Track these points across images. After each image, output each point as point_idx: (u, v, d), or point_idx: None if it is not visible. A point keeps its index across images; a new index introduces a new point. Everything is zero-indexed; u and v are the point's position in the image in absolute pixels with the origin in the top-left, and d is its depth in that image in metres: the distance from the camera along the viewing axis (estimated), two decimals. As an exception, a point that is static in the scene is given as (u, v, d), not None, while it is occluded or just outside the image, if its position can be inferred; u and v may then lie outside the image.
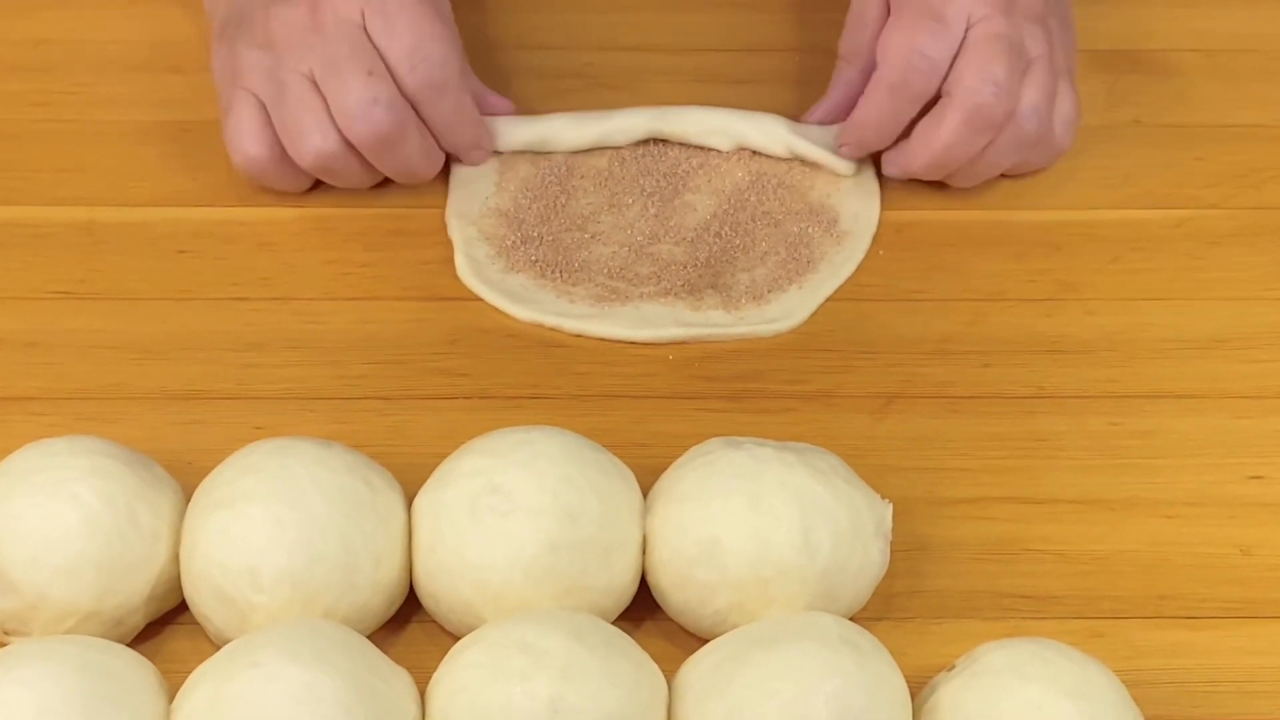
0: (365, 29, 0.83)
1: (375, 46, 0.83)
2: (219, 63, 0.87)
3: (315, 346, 0.83)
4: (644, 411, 0.81)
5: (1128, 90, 0.94)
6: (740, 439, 0.74)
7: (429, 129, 0.86)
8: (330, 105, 0.83)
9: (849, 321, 0.84)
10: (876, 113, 0.86)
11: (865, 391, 0.82)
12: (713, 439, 0.75)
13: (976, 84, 0.83)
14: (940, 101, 0.85)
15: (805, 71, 0.94)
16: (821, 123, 0.90)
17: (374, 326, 0.83)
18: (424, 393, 0.81)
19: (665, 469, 0.75)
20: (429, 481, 0.74)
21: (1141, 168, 0.90)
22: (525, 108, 0.92)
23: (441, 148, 0.87)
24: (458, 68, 0.85)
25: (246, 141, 0.85)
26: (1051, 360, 0.83)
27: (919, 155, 0.86)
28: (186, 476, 0.75)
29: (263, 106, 0.85)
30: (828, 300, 0.85)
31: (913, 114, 0.86)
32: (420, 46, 0.83)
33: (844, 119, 0.88)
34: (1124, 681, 0.69)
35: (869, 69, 0.86)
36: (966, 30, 0.84)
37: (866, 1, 0.88)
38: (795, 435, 0.76)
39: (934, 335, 0.84)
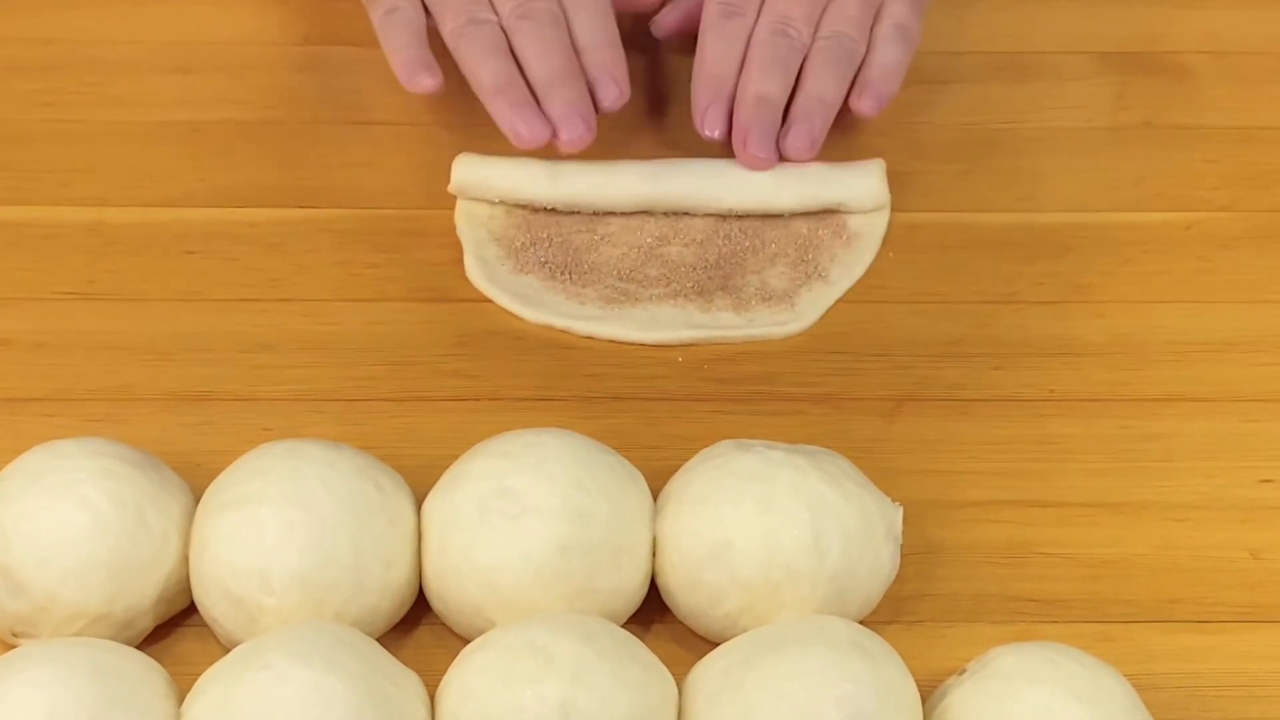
0: None
1: None
2: None
3: (325, 348, 0.83)
4: (654, 414, 0.81)
5: (1138, 92, 0.94)
6: (751, 441, 0.74)
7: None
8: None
9: (859, 324, 0.84)
10: (711, 54, 0.88)
11: (875, 394, 0.81)
12: (723, 441, 0.75)
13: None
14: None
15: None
16: (675, 27, 0.92)
17: (383, 328, 0.83)
18: (433, 394, 0.81)
19: (675, 471, 0.75)
20: (438, 484, 0.74)
21: (1152, 170, 0.90)
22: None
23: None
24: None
25: (410, 44, 0.86)
26: (1062, 363, 0.83)
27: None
28: (196, 478, 0.75)
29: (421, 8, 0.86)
30: (838, 302, 0.84)
31: (738, 46, 0.88)
32: None
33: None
34: (1134, 685, 0.69)
35: None
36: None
37: None
38: (805, 438, 0.76)
39: (944, 338, 0.83)
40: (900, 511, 0.74)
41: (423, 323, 0.84)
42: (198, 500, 0.74)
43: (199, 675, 0.69)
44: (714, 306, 0.84)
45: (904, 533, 0.74)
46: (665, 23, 0.92)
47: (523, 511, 0.71)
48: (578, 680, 0.67)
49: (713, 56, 0.87)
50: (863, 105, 0.87)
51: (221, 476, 0.74)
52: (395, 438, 0.79)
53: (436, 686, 0.69)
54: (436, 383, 0.81)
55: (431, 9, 0.87)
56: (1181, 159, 0.91)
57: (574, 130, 0.84)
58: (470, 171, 0.87)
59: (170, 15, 0.96)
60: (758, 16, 0.87)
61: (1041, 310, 0.85)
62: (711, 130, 0.86)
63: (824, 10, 0.88)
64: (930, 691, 0.71)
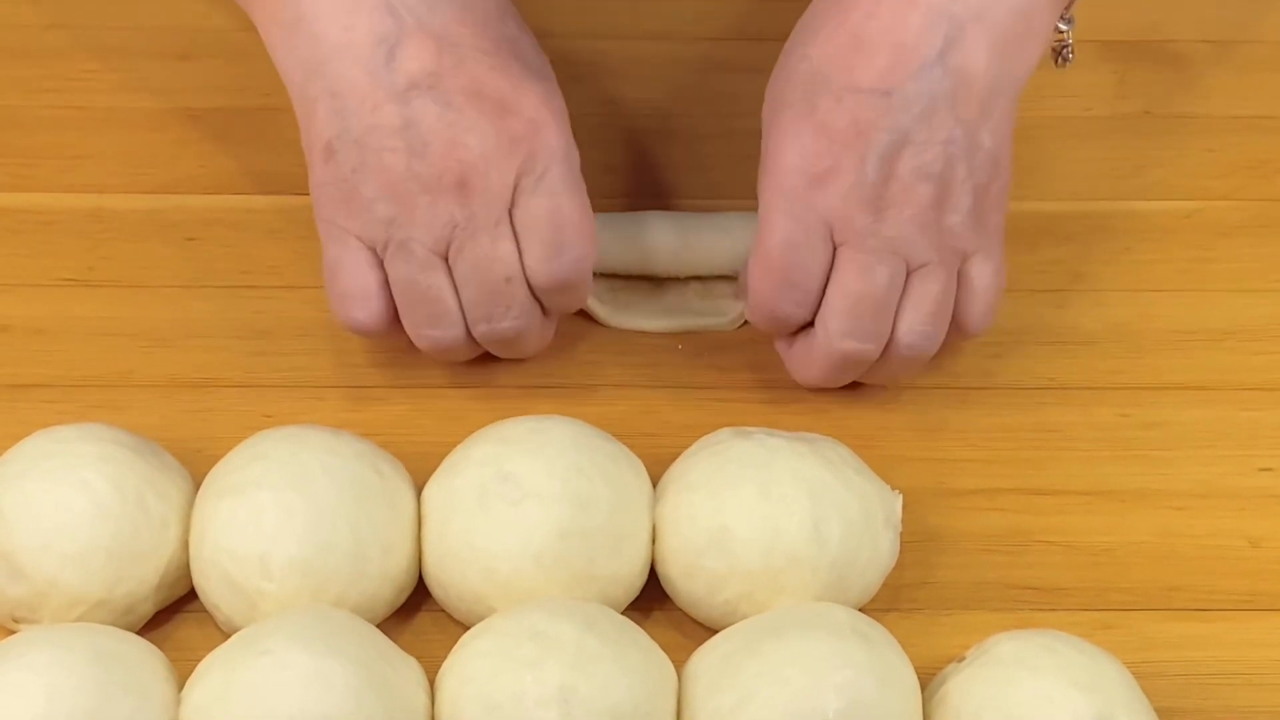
0: (510, 210, 0.75)
1: (515, 228, 0.76)
2: (325, 191, 0.77)
3: (324, 335, 0.82)
4: (654, 401, 0.81)
5: (1138, 81, 0.94)
6: (750, 429, 0.74)
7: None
8: (459, 294, 0.77)
9: (859, 312, 0.84)
10: (757, 294, 0.77)
11: (875, 382, 0.81)
12: (723, 429, 0.75)
13: (840, 332, 0.76)
14: (809, 334, 0.78)
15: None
16: None
17: (383, 315, 0.83)
18: (434, 381, 0.81)
19: (675, 458, 0.75)
20: (439, 470, 0.74)
21: (1152, 159, 0.90)
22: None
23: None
24: (591, 258, 0.77)
25: (354, 307, 0.77)
26: (1061, 351, 0.83)
27: (802, 377, 0.80)
28: (196, 464, 0.75)
29: (376, 263, 0.77)
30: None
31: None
32: (562, 246, 0.75)
33: None
34: (1134, 673, 0.70)
35: None
36: (835, 249, 0.76)
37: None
38: (805, 425, 0.76)
39: (944, 326, 0.83)
40: (900, 499, 0.74)
41: (422, 310, 0.84)
42: (198, 486, 0.74)
43: (199, 660, 0.69)
44: (713, 293, 0.84)
45: (903, 520, 0.74)
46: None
47: (523, 497, 0.71)
48: (578, 666, 0.67)
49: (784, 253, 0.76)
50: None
51: (222, 462, 0.74)
52: (395, 424, 0.79)
53: (436, 673, 0.70)
54: (436, 369, 0.81)
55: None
56: (1181, 148, 0.91)
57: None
58: None
59: (169, 2, 0.96)
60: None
61: (1041, 298, 0.85)
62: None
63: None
64: (930, 678, 0.71)
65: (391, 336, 0.79)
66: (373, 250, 0.76)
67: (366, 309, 0.77)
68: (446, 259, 0.76)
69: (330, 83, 0.75)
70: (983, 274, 0.77)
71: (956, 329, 0.78)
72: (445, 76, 0.74)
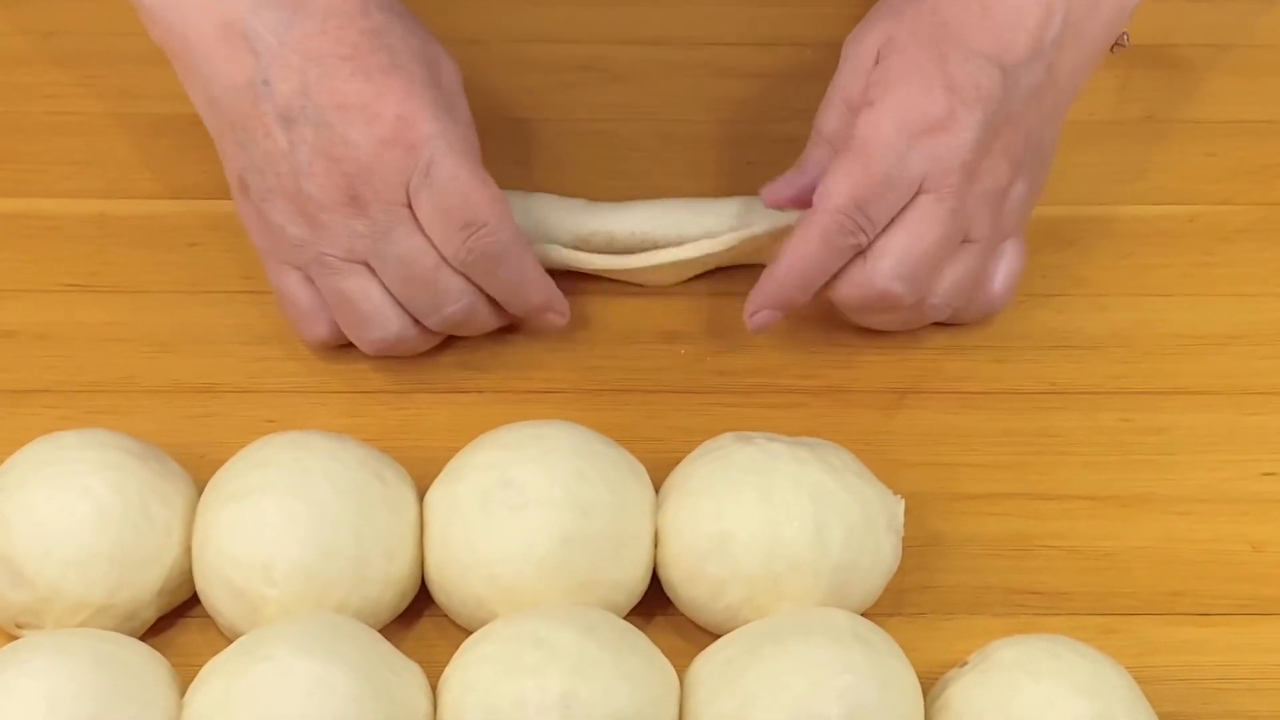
0: (409, 204, 0.76)
1: (420, 222, 0.77)
2: (249, 222, 0.80)
3: (327, 340, 0.83)
4: (656, 406, 0.81)
5: (1140, 85, 0.94)
6: (752, 434, 0.74)
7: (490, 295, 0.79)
8: (396, 296, 0.78)
9: (861, 316, 0.84)
10: (803, 261, 0.77)
11: (877, 387, 0.82)
12: (725, 434, 0.75)
13: (890, 272, 0.77)
14: (855, 260, 0.78)
15: (817, 66, 0.94)
16: (788, 203, 0.81)
17: (386, 320, 0.83)
18: (436, 386, 0.81)
19: (677, 464, 0.75)
20: (441, 475, 0.74)
21: (1154, 163, 0.90)
22: (538, 99, 0.92)
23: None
24: (513, 228, 0.77)
25: (307, 327, 0.80)
26: (1064, 356, 0.83)
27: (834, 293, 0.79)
28: (198, 470, 0.75)
29: (312, 282, 0.79)
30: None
31: (838, 266, 0.78)
32: (473, 218, 0.76)
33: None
34: (1136, 678, 0.70)
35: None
36: (916, 194, 0.76)
37: (851, 83, 0.79)
38: (807, 430, 0.76)
39: (946, 331, 0.83)
40: (902, 504, 0.74)
41: (425, 315, 0.84)
42: (200, 492, 0.74)
43: (201, 666, 0.69)
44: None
45: (905, 525, 0.74)
46: (779, 193, 0.82)
47: (525, 503, 0.71)
48: (579, 672, 0.67)
49: (806, 264, 0.78)
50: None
51: (224, 468, 0.74)
52: (398, 430, 0.79)
53: (438, 678, 0.70)
54: (439, 375, 0.82)
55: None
56: (1183, 152, 0.91)
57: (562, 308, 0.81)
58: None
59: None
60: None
61: (1043, 303, 0.85)
62: (756, 326, 0.79)
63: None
64: (931, 683, 0.71)
65: (392, 354, 0.81)
66: (302, 270, 0.79)
67: (320, 324, 0.80)
68: (369, 266, 0.77)
69: (229, 115, 0.77)
70: (1014, 255, 0.81)
71: (979, 299, 0.81)
72: (314, 93, 0.75)
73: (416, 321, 0.79)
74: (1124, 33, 0.83)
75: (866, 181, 0.76)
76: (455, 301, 0.78)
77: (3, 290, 0.84)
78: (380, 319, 0.78)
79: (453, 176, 0.76)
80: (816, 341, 0.83)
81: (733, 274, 0.85)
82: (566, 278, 0.83)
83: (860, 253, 0.77)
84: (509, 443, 0.73)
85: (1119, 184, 0.90)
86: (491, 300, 0.79)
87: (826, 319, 0.83)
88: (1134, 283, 0.86)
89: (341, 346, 0.81)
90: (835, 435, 0.76)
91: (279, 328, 0.83)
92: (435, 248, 0.77)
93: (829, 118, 0.81)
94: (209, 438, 0.78)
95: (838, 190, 0.76)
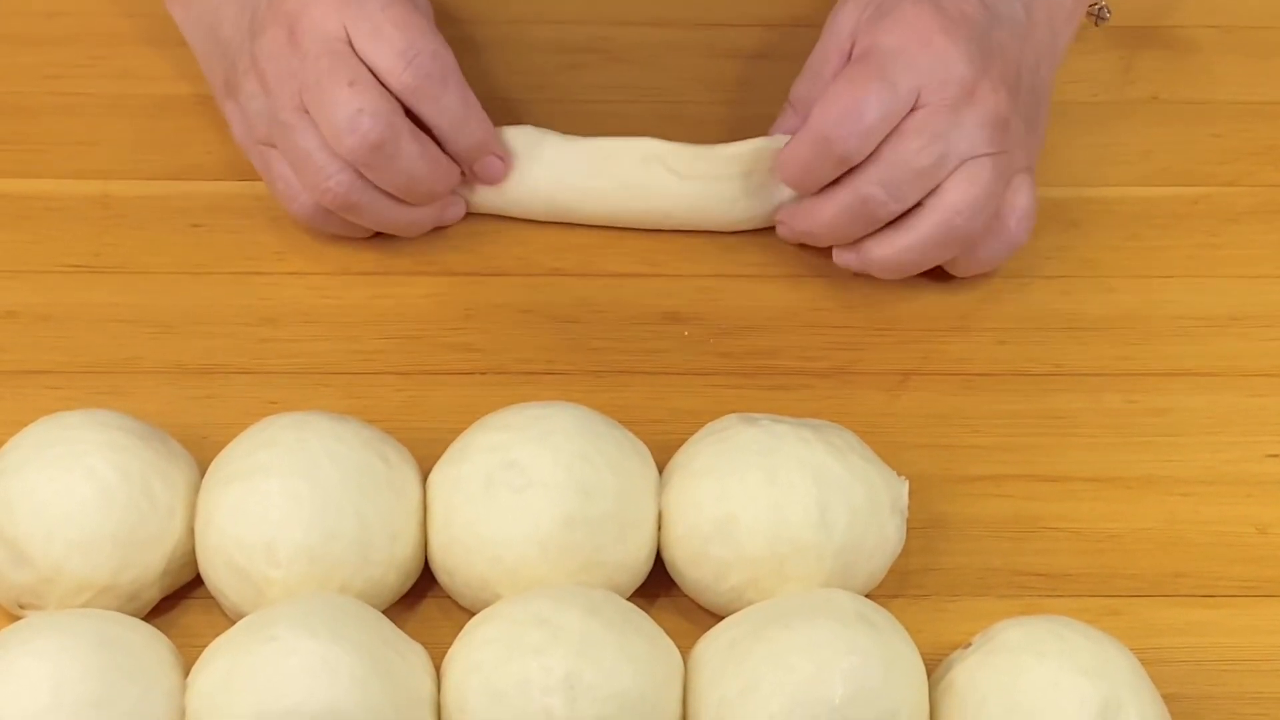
0: (350, 41, 0.79)
1: (361, 57, 0.79)
2: (235, 123, 0.84)
3: (330, 321, 0.83)
4: (660, 387, 0.81)
5: (1145, 66, 0.94)
6: (756, 415, 0.74)
7: (434, 131, 0.81)
8: (321, 129, 0.80)
9: (865, 298, 0.84)
10: (796, 162, 0.80)
11: (881, 368, 0.81)
12: (729, 415, 0.75)
13: (874, 175, 0.78)
14: (846, 177, 0.79)
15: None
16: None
17: (389, 301, 0.83)
18: (439, 368, 0.81)
19: (681, 445, 0.75)
20: (444, 457, 0.74)
21: (1159, 144, 0.90)
22: (539, 81, 0.92)
23: (449, 154, 0.82)
24: (453, 61, 0.80)
25: (290, 199, 0.82)
26: (1068, 337, 0.83)
27: (806, 221, 0.82)
28: (201, 451, 0.75)
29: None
30: (844, 278, 0.84)
31: (833, 175, 0.79)
32: (412, 43, 0.79)
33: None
34: (1140, 659, 0.70)
35: None
36: (913, 108, 0.78)
37: (827, 51, 0.82)
38: (811, 412, 0.76)
39: (951, 312, 0.83)
40: (906, 485, 0.74)
41: (428, 296, 0.84)
42: (203, 473, 0.74)
43: (205, 647, 0.69)
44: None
45: (909, 506, 0.74)
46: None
47: (528, 484, 0.71)
48: (583, 653, 0.67)
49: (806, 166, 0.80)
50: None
51: (227, 449, 0.74)
52: (401, 411, 0.79)
53: (442, 659, 0.70)
54: (442, 356, 0.81)
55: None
56: (1188, 134, 0.91)
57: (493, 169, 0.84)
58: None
59: (175, -12, 0.96)
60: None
61: (1048, 285, 0.85)
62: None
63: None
64: (935, 665, 0.71)
65: (348, 214, 0.82)
66: (274, 146, 0.82)
67: (300, 194, 0.82)
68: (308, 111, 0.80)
69: (216, 25, 0.84)
70: (1025, 189, 0.81)
71: (998, 230, 0.81)
72: None
73: (361, 175, 0.80)
74: (1104, 5, 0.84)
75: (865, 84, 0.77)
76: (370, 115, 0.78)
77: (5, 271, 0.84)
78: (333, 166, 0.80)
79: (385, 6, 0.79)
80: (820, 323, 0.83)
81: (735, 256, 0.85)
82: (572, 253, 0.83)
83: (852, 168, 0.79)
84: (512, 424, 0.73)
85: (1124, 165, 0.89)
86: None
87: (832, 299, 0.83)
88: (1139, 264, 0.85)
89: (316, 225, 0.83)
90: (839, 417, 0.76)
91: (282, 309, 0.83)
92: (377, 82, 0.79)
93: (801, 87, 0.84)
94: (212, 418, 0.78)
95: (835, 94, 0.78)
